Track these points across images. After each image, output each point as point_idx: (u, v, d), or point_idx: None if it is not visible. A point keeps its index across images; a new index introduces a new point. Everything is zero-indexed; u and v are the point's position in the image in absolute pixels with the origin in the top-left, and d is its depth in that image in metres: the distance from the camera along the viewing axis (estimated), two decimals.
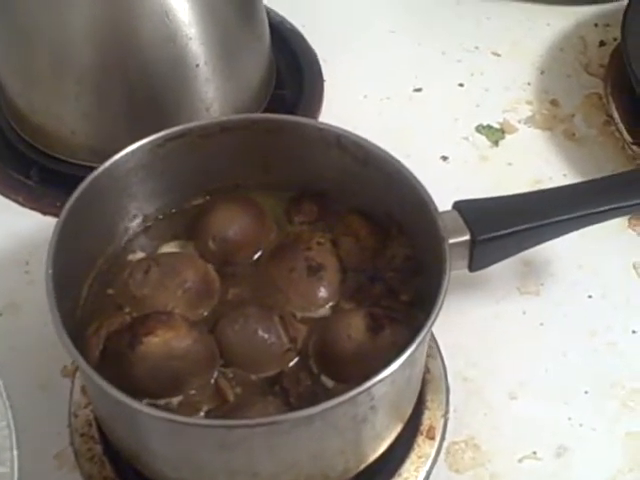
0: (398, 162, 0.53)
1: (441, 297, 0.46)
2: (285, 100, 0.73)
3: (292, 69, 0.76)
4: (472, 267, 0.53)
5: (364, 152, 0.54)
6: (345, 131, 0.55)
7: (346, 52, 0.79)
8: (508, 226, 0.53)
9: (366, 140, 0.54)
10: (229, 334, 0.50)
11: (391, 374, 0.44)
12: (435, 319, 0.45)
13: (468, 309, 0.61)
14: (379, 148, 0.54)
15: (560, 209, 0.54)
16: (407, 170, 0.52)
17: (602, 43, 0.80)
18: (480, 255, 0.53)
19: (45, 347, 0.57)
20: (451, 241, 0.50)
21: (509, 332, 0.61)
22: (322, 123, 0.56)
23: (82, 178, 0.52)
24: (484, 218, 0.53)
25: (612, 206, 0.55)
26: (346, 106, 0.74)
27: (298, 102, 0.73)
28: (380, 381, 0.43)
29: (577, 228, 0.55)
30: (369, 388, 0.43)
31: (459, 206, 0.53)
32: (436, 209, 0.50)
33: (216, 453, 0.44)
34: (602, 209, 0.55)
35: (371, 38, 0.80)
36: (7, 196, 0.67)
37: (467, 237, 0.52)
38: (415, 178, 0.52)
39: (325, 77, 0.76)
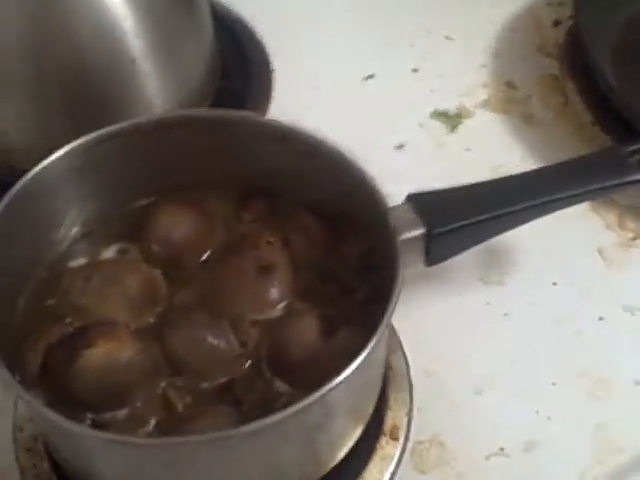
0: (347, 155, 0.50)
1: (394, 297, 0.43)
2: (233, 92, 0.71)
3: (239, 60, 0.74)
4: (428, 262, 0.51)
5: (311, 147, 0.51)
6: (290, 125, 0.52)
7: (295, 41, 0.76)
8: (465, 217, 0.51)
9: (312, 134, 0.51)
10: (175, 342, 0.48)
11: (345, 379, 0.41)
12: (389, 319, 0.43)
13: (429, 302, 0.59)
14: (326, 142, 0.51)
15: (519, 197, 0.52)
16: (356, 163, 0.50)
17: (556, 22, 0.78)
18: (436, 249, 0.50)
19: None
20: (404, 236, 0.48)
21: (473, 324, 0.59)
22: (265, 118, 0.54)
23: (14, 183, 0.49)
24: (440, 210, 0.51)
25: (573, 192, 0.53)
26: (297, 96, 0.72)
27: (246, 94, 0.71)
28: (334, 388, 0.41)
29: (538, 216, 0.53)
30: (322, 396, 0.41)
31: (413, 198, 0.51)
32: (386, 203, 0.48)
33: (162, 470, 0.42)
34: (562, 195, 0.53)
35: (320, 27, 0.78)
36: None
37: (422, 231, 0.50)
38: (364, 171, 0.49)
39: (274, 67, 0.74)
